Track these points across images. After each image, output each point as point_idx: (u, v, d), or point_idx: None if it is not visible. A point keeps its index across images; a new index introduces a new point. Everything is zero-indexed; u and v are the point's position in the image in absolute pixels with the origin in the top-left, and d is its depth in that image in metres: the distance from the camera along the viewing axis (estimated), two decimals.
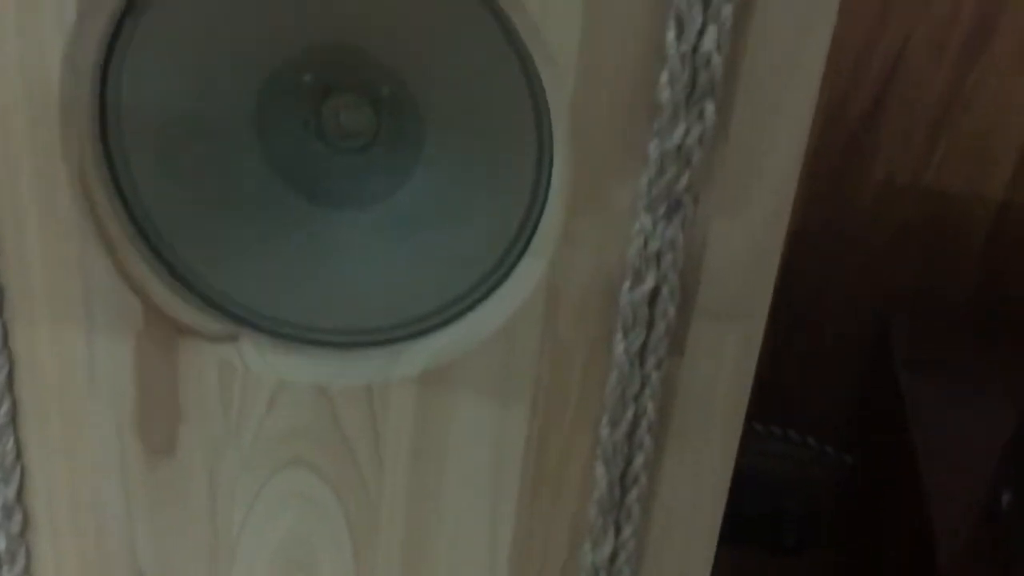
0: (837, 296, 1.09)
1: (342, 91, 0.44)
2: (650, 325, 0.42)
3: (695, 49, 0.37)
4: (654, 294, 0.41)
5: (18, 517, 0.48)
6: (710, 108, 0.38)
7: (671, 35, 0.37)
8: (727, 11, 0.37)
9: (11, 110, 0.40)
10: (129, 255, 0.44)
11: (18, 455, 0.47)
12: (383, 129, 0.44)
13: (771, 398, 1.00)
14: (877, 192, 1.05)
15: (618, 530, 0.45)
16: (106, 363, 0.45)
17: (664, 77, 0.38)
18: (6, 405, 0.46)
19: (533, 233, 0.43)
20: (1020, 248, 1.06)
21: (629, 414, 0.43)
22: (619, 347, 0.42)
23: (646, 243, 0.40)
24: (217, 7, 0.40)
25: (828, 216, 1.05)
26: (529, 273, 0.43)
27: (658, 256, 0.40)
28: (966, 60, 0.98)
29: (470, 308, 0.45)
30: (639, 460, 0.44)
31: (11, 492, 0.47)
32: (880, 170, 1.04)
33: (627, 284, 0.41)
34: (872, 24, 0.97)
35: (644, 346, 0.42)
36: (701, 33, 0.37)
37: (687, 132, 0.38)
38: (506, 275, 0.44)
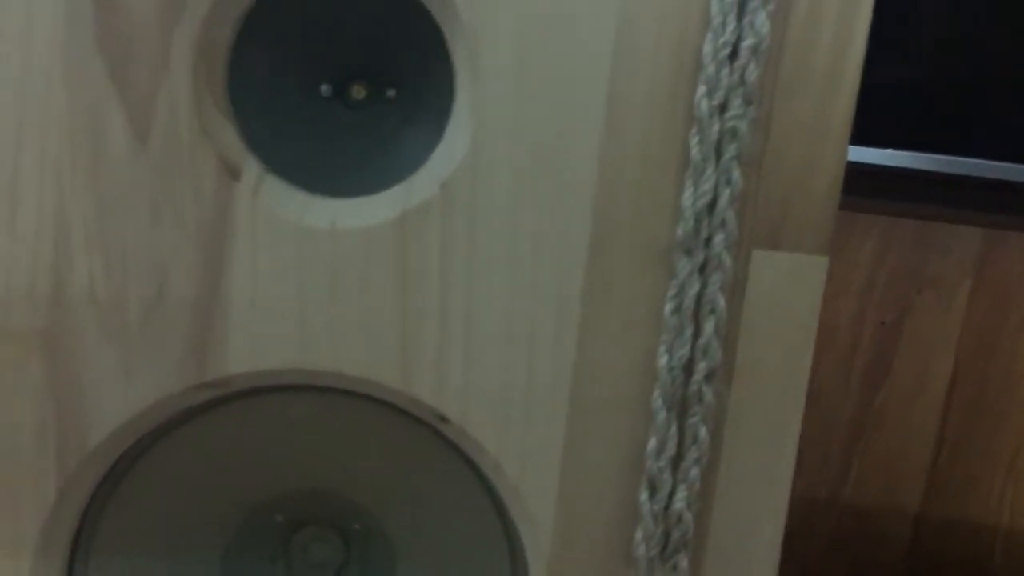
0: None
1: (312, 525, 0.44)
2: None
3: (667, 508, 0.39)
4: None
5: None
6: (683, 562, 0.40)
7: (644, 496, 0.39)
8: (695, 473, 0.39)
9: None
10: None
11: None
12: (353, 559, 0.45)
13: None
14: (801, 510, 1.09)
15: None
16: None
17: (639, 534, 0.39)
18: None
19: None
20: (939, 558, 1.09)
21: None
22: None
23: None
24: (193, 466, 0.41)
25: None
26: None
27: None
28: (871, 385, 1.05)
29: None
30: None
31: None
32: (801, 487, 1.08)
33: None
34: None
35: None
36: (672, 494, 0.39)
37: None
38: None
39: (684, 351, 0.38)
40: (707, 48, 0.36)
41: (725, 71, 0.36)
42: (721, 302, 0.38)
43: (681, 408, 0.39)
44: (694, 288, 0.38)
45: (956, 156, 0.90)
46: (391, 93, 0.39)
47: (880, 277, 1.03)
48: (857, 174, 0.94)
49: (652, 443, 0.39)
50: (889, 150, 0.88)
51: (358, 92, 0.39)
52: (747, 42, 0.36)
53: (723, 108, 0.37)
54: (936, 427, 1.06)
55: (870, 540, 1.10)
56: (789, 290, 0.38)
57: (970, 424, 1.05)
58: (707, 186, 0.37)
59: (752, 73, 0.36)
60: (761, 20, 0.36)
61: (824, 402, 1.06)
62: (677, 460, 0.39)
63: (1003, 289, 1.02)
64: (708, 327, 0.38)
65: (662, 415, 0.39)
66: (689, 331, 0.38)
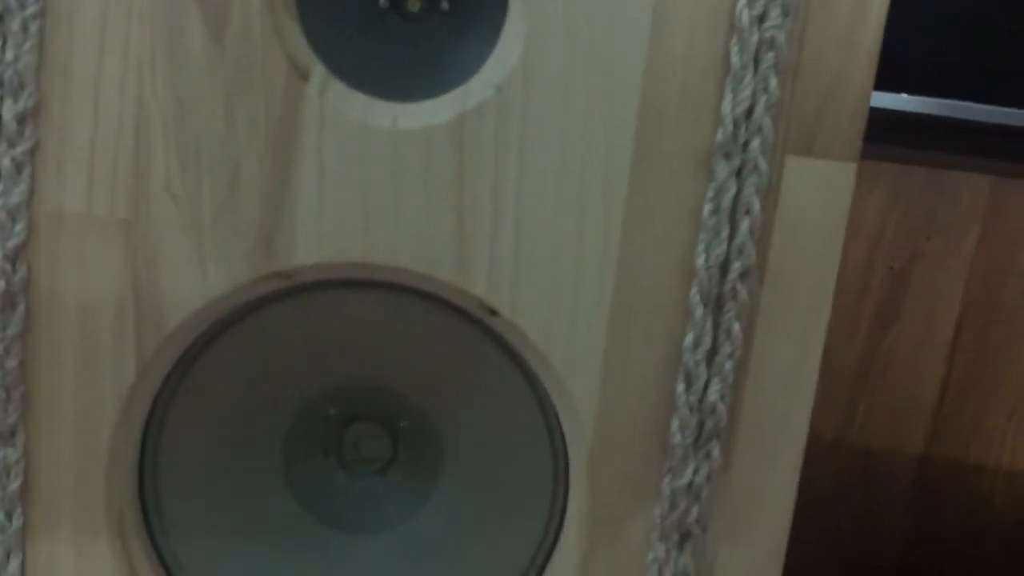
0: None
1: (363, 420, 0.47)
2: None
3: (701, 399, 0.42)
4: None
5: None
6: (716, 450, 0.42)
7: (680, 387, 0.42)
8: (728, 367, 0.42)
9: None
10: None
11: None
12: (400, 455, 0.47)
13: None
14: (805, 451, 1.11)
15: None
16: None
17: (675, 424, 0.42)
18: None
19: (546, 562, 0.45)
20: (941, 499, 1.12)
21: None
22: None
23: (660, 572, 0.43)
24: (257, 357, 0.44)
25: None
26: None
27: None
28: (879, 329, 1.08)
29: None
30: None
31: None
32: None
33: None
34: None
35: None
36: (706, 386, 0.42)
37: (696, 471, 0.42)
38: None
39: (720, 251, 0.41)
40: None
41: None
42: (756, 204, 0.40)
43: (717, 305, 0.41)
44: (731, 191, 0.40)
45: (969, 102, 0.92)
46: (445, 5, 0.41)
47: (890, 223, 1.05)
48: (868, 120, 0.96)
49: (689, 338, 0.41)
50: (902, 95, 0.90)
51: (413, 4, 0.41)
52: None
53: (762, 19, 0.39)
54: (942, 372, 1.09)
55: (874, 482, 1.13)
56: (820, 194, 0.41)
57: (975, 369, 1.08)
58: (746, 93, 0.39)
59: None
60: None
61: (832, 345, 1.09)
62: (712, 354, 0.42)
63: (1011, 237, 1.04)
64: (743, 228, 0.41)
65: (699, 311, 0.41)
66: (725, 232, 0.41)
